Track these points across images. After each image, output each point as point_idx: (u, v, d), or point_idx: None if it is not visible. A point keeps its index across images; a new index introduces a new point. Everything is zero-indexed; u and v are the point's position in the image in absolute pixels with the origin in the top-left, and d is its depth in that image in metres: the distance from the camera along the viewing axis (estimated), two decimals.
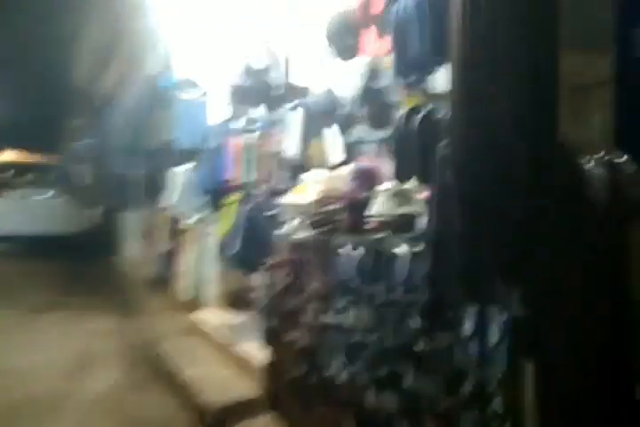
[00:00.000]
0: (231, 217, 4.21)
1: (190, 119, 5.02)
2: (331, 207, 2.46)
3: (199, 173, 4.62)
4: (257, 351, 3.17)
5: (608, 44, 1.36)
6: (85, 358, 3.94)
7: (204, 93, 5.02)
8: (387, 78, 2.27)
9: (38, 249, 9.45)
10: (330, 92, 2.92)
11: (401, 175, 1.99)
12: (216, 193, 4.44)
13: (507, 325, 1.36)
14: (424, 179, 1.82)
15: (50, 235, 9.44)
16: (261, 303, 3.01)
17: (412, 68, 1.97)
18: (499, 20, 1.42)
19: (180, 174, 5.21)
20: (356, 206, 2.23)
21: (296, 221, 2.76)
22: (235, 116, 4.35)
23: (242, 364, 3.27)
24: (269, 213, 4.15)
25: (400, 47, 2.04)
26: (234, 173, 4.24)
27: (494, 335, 1.40)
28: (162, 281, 5.76)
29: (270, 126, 4.17)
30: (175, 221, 5.39)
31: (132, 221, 8.25)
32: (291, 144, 3.28)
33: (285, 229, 2.85)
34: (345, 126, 2.84)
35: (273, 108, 3.67)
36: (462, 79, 1.46)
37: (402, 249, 1.89)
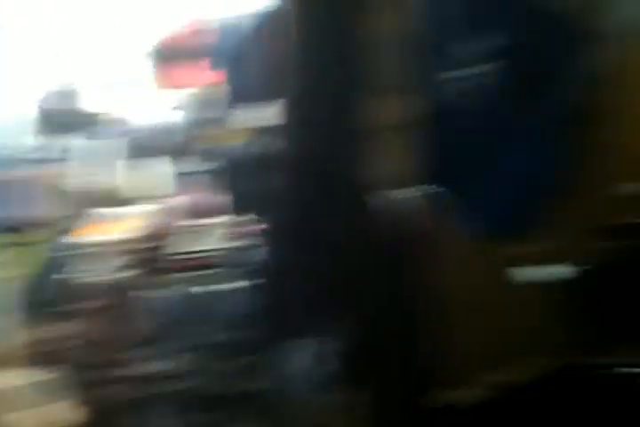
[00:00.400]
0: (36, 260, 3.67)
1: None
2: (151, 244, 2.31)
3: None
4: (66, 411, 2.76)
5: (411, 87, 1.48)
6: None
7: None
8: (215, 109, 2.25)
9: None
10: (157, 121, 2.80)
11: (237, 209, 1.98)
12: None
13: (334, 356, 1.40)
14: (259, 212, 1.82)
15: None
16: (69, 357, 2.66)
17: (243, 100, 1.98)
18: (311, 61, 1.50)
19: None
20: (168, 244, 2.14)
21: (99, 262, 2.53)
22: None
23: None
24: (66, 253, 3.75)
25: (232, 80, 2.05)
26: (16, 209, 3.74)
27: (321, 368, 1.43)
28: None
29: (56, 158, 3.78)
30: None
31: None
32: (103, 176, 3.03)
33: (100, 270, 2.58)
34: (173, 157, 2.75)
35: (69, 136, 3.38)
36: (288, 115, 1.51)
37: (224, 285, 1.85)
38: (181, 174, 2.69)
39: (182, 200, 2.30)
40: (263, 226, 1.71)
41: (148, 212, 2.42)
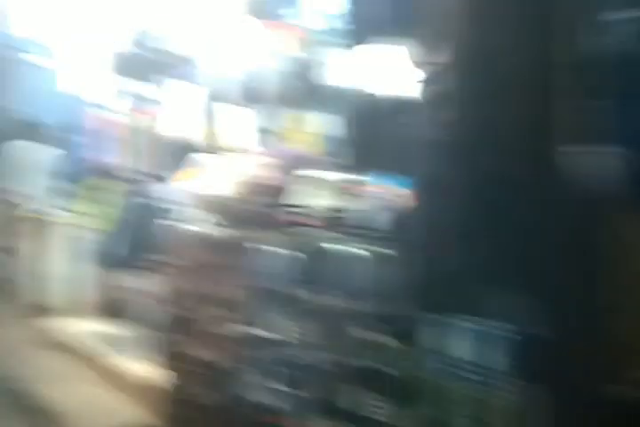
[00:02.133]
0: (110, 209, 3.54)
1: (33, 87, 4.14)
2: (248, 199, 2.09)
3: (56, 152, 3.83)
4: (144, 370, 2.67)
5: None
6: None
7: (54, 57, 4.16)
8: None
9: None
10: (250, 67, 2.51)
11: (361, 164, 1.72)
12: (73, 177, 3.72)
13: (514, 345, 1.18)
14: (400, 170, 1.56)
15: None
16: (153, 312, 2.53)
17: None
18: None
19: (17, 151, 4.29)
20: (279, 197, 1.91)
21: (201, 215, 2.33)
22: (104, 90, 3.65)
23: (126, 385, 2.73)
24: (156, 204, 3.59)
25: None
26: (106, 155, 3.58)
27: (495, 357, 1.22)
28: None
29: (148, 103, 3.59)
30: (10, 206, 4.44)
31: None
32: (186, 124, 2.80)
33: (186, 223, 2.39)
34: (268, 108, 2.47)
35: (160, 80, 3.12)
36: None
37: (354, 250, 1.63)
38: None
39: (285, 152, 2.06)
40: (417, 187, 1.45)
41: (251, 162, 2.20)
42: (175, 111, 2.87)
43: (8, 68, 4.13)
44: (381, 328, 1.47)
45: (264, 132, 2.48)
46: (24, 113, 4.06)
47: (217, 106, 2.83)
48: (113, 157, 3.60)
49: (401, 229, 1.47)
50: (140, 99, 3.61)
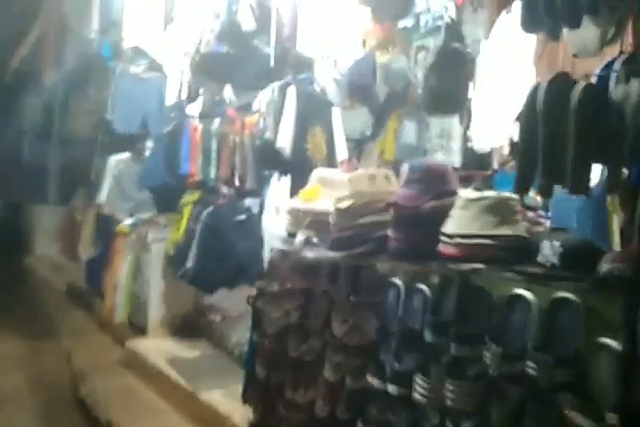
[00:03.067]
0: (184, 222, 3.37)
1: (130, 98, 4.10)
2: (369, 219, 1.74)
3: (146, 165, 3.71)
4: (226, 402, 2.39)
5: None
6: None
7: (157, 66, 4.11)
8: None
9: None
10: (362, 61, 2.20)
11: (526, 181, 1.32)
12: (165, 190, 3.57)
13: None
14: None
15: None
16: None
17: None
18: None
19: (113, 165, 4.25)
20: (419, 220, 1.54)
21: (304, 235, 2.02)
22: (195, 96, 3.51)
23: (206, 419, 2.45)
24: (236, 218, 3.39)
25: None
26: (191, 166, 3.40)
27: None
28: (86, 294, 4.74)
29: (241, 109, 3.40)
30: (106, 222, 4.41)
31: (45, 217, 7.02)
32: (283, 133, 2.51)
33: (288, 244, 2.08)
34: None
35: (257, 84, 2.88)
36: None
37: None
38: None
39: (430, 166, 1.68)
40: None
41: (371, 175, 1.85)
42: (273, 118, 2.59)
43: (112, 80, 4.12)
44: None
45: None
46: (127, 126, 4.01)
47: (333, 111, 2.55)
48: (207, 168, 3.41)
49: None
50: (238, 106, 3.42)
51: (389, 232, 1.63)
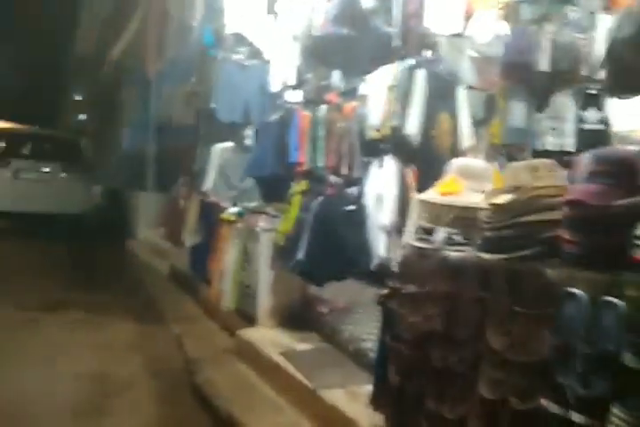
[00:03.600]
0: (294, 213, 3.29)
1: (232, 86, 4.06)
2: (534, 218, 1.53)
3: (253, 155, 3.67)
4: (350, 404, 2.29)
5: None
6: (101, 388, 3.03)
7: (258, 53, 4.04)
8: None
9: (40, 229, 8.51)
10: (518, 36, 1.96)
11: None
12: (273, 180, 3.51)
13: None
14: None
15: (55, 213, 8.35)
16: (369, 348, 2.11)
17: None
18: None
19: (217, 154, 4.26)
20: (608, 220, 1.31)
21: (446, 233, 1.84)
22: (302, 82, 3.39)
23: (331, 420, 2.37)
24: (346, 208, 3.27)
25: None
26: (300, 155, 3.30)
27: None
28: (190, 279, 4.86)
29: (347, 94, 3.26)
30: (209, 209, 4.46)
31: (147, 204, 7.33)
32: (412, 119, 2.33)
33: (423, 241, 1.92)
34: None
35: (371, 67, 2.71)
36: None
37: None
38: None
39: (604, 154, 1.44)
40: None
41: (533, 166, 1.63)
42: (405, 104, 2.40)
43: (215, 68, 4.10)
44: None
45: None
46: (231, 115, 3.99)
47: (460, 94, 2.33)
48: (315, 157, 3.31)
49: None
50: (344, 91, 3.27)
51: (563, 233, 1.42)
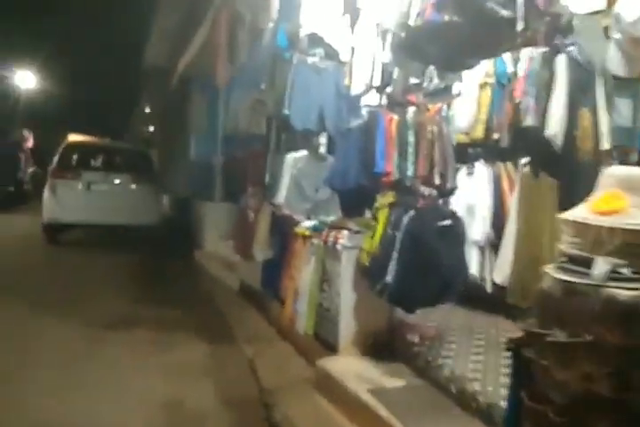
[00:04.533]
0: (380, 229, 2.93)
1: (307, 91, 3.77)
2: None
3: (334, 165, 3.35)
4: None
5: None
6: (171, 420, 2.78)
7: (333, 54, 3.75)
8: None
9: (112, 241, 8.62)
10: None
11: None
12: (355, 191, 3.17)
13: None
14: None
15: (126, 224, 8.41)
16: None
17: None
18: None
19: (290, 164, 3.98)
20: None
21: (609, 264, 1.42)
22: (389, 81, 3.05)
23: None
24: (440, 224, 2.88)
25: None
26: (387, 164, 2.94)
27: None
28: (261, 296, 4.60)
29: (438, 93, 2.88)
30: (282, 222, 4.19)
31: (216, 215, 7.20)
32: (555, 117, 1.92)
33: (582, 274, 1.50)
34: None
35: (478, 59, 2.32)
36: None
37: None
38: None
39: None
40: None
41: None
42: (543, 98, 1.99)
43: (289, 72, 3.83)
44: None
45: None
46: (305, 121, 3.71)
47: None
48: (404, 165, 2.94)
49: None
50: (433, 91, 2.90)
51: None
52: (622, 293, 1.38)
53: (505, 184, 3.89)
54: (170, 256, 7.44)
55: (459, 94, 3.02)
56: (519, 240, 3.67)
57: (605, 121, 1.97)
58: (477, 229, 3.71)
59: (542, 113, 1.89)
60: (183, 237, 8.64)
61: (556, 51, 1.91)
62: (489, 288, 3.84)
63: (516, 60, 3.67)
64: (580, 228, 1.53)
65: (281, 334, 3.89)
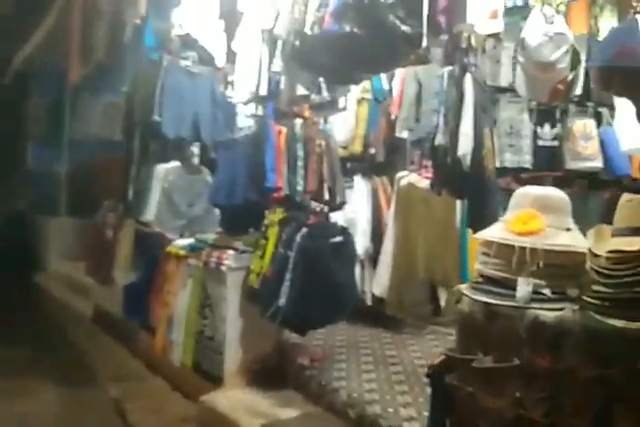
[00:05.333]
0: (270, 248, 2.74)
1: (180, 97, 3.46)
2: None
3: (217, 179, 3.06)
4: None
5: None
6: None
7: (208, 58, 3.49)
8: None
9: None
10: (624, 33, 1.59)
11: None
12: (241, 208, 2.93)
13: None
14: None
15: None
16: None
17: None
18: None
19: (161, 176, 3.60)
20: None
21: (530, 286, 1.40)
22: (276, 91, 2.88)
23: None
24: (332, 240, 2.78)
25: None
26: (277, 178, 2.77)
27: None
28: (123, 325, 4.08)
29: (323, 107, 2.82)
30: (149, 241, 3.77)
31: (61, 230, 6.35)
32: (465, 137, 1.89)
33: (503, 296, 1.46)
34: None
35: (371, 74, 2.26)
36: None
37: None
38: None
39: None
40: None
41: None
42: (455, 118, 1.96)
43: (158, 75, 3.46)
44: None
45: None
46: (178, 129, 3.38)
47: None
48: (294, 180, 2.80)
49: None
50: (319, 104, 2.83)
51: None
52: (547, 314, 1.37)
53: (382, 198, 3.97)
54: (4, 279, 6.36)
55: (344, 108, 2.97)
56: (396, 253, 3.75)
57: (496, 141, 2.04)
58: (358, 242, 3.70)
59: (451, 132, 1.88)
60: (17, 257, 7.47)
61: (463, 69, 1.92)
62: (369, 301, 3.85)
63: (390, 78, 3.76)
64: (500, 248, 1.51)
65: (151, 369, 3.46)
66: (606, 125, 4.02)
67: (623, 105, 2.23)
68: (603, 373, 1.20)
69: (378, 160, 3.95)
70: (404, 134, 3.34)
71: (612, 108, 4.07)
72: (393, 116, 3.64)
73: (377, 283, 3.82)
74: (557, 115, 3.93)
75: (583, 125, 3.79)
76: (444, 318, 4.05)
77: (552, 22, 1.84)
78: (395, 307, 3.77)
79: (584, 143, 3.87)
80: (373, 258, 3.88)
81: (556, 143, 3.81)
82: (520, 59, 1.86)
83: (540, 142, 3.82)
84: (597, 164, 3.71)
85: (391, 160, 3.98)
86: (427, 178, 3.67)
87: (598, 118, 4.01)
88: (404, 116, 3.29)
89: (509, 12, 1.81)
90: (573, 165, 3.70)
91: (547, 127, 3.88)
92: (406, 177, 3.56)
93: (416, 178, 3.58)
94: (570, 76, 1.80)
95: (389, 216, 3.73)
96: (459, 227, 3.75)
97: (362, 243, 3.75)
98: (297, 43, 2.30)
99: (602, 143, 3.80)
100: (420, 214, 3.55)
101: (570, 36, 1.85)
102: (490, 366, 1.42)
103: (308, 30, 2.21)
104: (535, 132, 3.83)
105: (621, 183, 3.72)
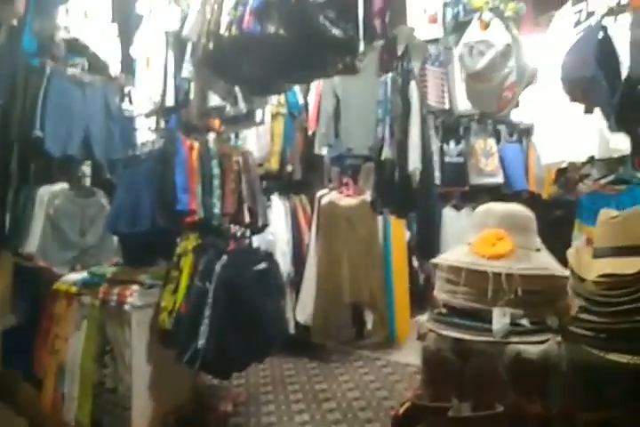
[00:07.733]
0: (185, 280, 2.39)
1: (66, 109, 3.02)
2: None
3: (117, 203, 2.63)
4: None
5: None
6: None
7: (100, 66, 3.09)
8: None
9: None
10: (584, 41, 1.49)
11: None
12: (146, 235, 2.54)
13: None
14: None
15: None
16: None
17: None
18: None
19: (45, 200, 3.10)
20: None
21: (507, 316, 1.23)
22: (185, 101, 2.55)
23: None
24: (255, 268, 2.48)
25: None
26: (190, 199, 2.44)
27: None
28: (3, 377, 3.42)
29: (239, 120, 2.59)
30: (34, 276, 3.21)
31: None
32: (414, 151, 1.70)
33: (475, 329, 1.27)
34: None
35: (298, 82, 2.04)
36: None
37: None
38: None
39: None
40: None
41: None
42: (401, 129, 1.77)
43: (40, 84, 2.98)
44: None
45: None
46: (64, 146, 2.93)
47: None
48: (210, 202, 2.49)
49: None
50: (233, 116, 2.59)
51: None
52: (529, 349, 1.20)
53: (302, 218, 3.75)
54: None
55: (262, 122, 2.73)
56: (320, 275, 3.54)
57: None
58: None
59: (399, 144, 1.70)
60: None
61: (406, 77, 1.76)
62: (292, 329, 3.59)
63: (305, 92, 3.59)
64: (469, 274, 1.33)
65: None
66: (504, 143, 4.22)
67: (543, 119, 2.21)
68: (606, 416, 1.04)
69: (295, 178, 3.74)
70: (324, 151, 3.17)
71: (509, 125, 4.26)
72: (310, 132, 3.47)
73: (300, 310, 3.57)
74: (461, 132, 4.03)
75: (484, 142, 3.92)
76: (369, 341, 3.89)
77: (487, 29, 1.77)
78: (320, 334, 3.55)
79: (485, 160, 3.99)
80: (295, 282, 3.64)
81: (461, 159, 3.89)
82: (462, 72, 1.76)
83: (447, 159, 3.88)
84: (498, 179, 3.88)
85: (308, 178, 3.79)
86: (348, 196, 3.52)
87: (497, 136, 4.19)
88: (322, 131, 3.11)
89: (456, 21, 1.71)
90: (477, 180, 3.81)
91: (452, 144, 3.95)
92: (327, 195, 3.39)
93: (337, 196, 3.42)
94: (518, 81, 1.71)
95: (311, 237, 3.52)
96: (381, 245, 3.63)
97: (282, 266, 3.49)
98: (210, 46, 2.02)
99: (501, 160, 3.97)
100: (344, 234, 3.38)
101: (499, 41, 1.78)
102: (469, 415, 1.22)
103: (224, 31, 1.94)
104: (442, 149, 3.88)
105: (520, 197, 3.87)
